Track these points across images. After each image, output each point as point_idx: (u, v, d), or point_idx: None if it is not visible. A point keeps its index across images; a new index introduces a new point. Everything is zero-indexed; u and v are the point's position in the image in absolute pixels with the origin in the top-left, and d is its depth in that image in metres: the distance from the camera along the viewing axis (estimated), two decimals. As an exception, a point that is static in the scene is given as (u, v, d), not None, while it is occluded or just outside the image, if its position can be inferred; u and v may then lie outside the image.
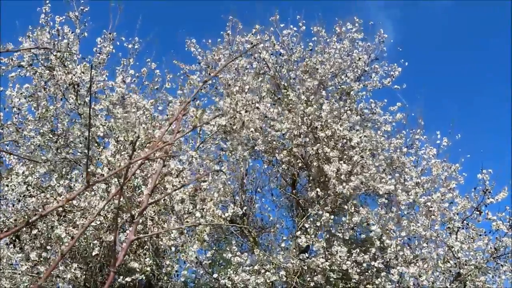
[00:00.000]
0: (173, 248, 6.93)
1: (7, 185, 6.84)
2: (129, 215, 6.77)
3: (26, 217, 6.52)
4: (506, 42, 25.18)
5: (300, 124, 8.66)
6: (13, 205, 6.87)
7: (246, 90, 8.42)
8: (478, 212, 7.69)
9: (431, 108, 25.25)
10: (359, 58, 9.63)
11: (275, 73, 9.63)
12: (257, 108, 8.14)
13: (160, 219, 7.05)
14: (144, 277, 6.84)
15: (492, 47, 27.63)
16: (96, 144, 7.74)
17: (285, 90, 9.32)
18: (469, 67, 28.20)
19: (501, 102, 26.30)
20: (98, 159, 7.09)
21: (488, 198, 7.66)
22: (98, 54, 8.19)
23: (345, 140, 8.58)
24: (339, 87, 9.63)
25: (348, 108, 9.04)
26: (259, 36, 9.51)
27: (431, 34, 29.93)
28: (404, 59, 10.08)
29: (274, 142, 8.97)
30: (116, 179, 6.44)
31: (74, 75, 7.55)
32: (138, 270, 6.73)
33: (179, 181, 6.84)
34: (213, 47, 9.86)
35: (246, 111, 7.98)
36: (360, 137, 8.42)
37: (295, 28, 9.74)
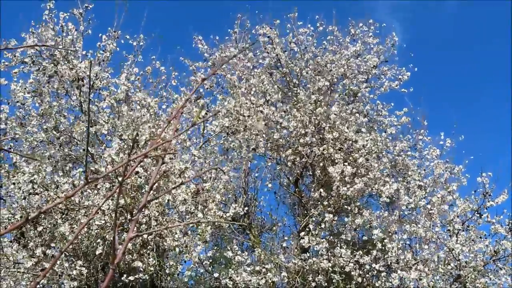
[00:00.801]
0: (177, 249, 6.94)
1: (14, 183, 6.88)
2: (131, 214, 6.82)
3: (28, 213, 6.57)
4: (506, 42, 25.02)
5: (307, 123, 8.65)
6: (18, 203, 6.92)
7: (252, 92, 8.40)
8: (478, 215, 7.68)
9: (433, 108, 25.16)
10: (374, 66, 9.55)
11: (287, 70, 9.62)
12: (261, 112, 8.13)
13: (165, 220, 7.08)
14: (147, 277, 6.87)
15: (493, 47, 27.46)
16: (99, 142, 7.76)
17: (295, 89, 9.31)
18: (469, 67, 28.04)
19: (501, 102, 26.12)
20: (101, 157, 7.12)
21: (489, 201, 7.65)
22: (102, 51, 8.19)
23: (350, 142, 8.56)
24: (347, 88, 9.60)
25: (357, 111, 9.02)
26: (276, 31, 9.47)
27: (433, 34, 29.76)
28: (410, 60, 10.01)
29: (281, 140, 8.94)
30: (118, 178, 6.46)
31: (77, 71, 7.55)
32: (142, 269, 6.76)
33: (181, 181, 6.86)
34: (220, 44, 9.83)
35: (249, 116, 7.94)
36: (367, 140, 8.40)
37: (312, 28, 9.70)
